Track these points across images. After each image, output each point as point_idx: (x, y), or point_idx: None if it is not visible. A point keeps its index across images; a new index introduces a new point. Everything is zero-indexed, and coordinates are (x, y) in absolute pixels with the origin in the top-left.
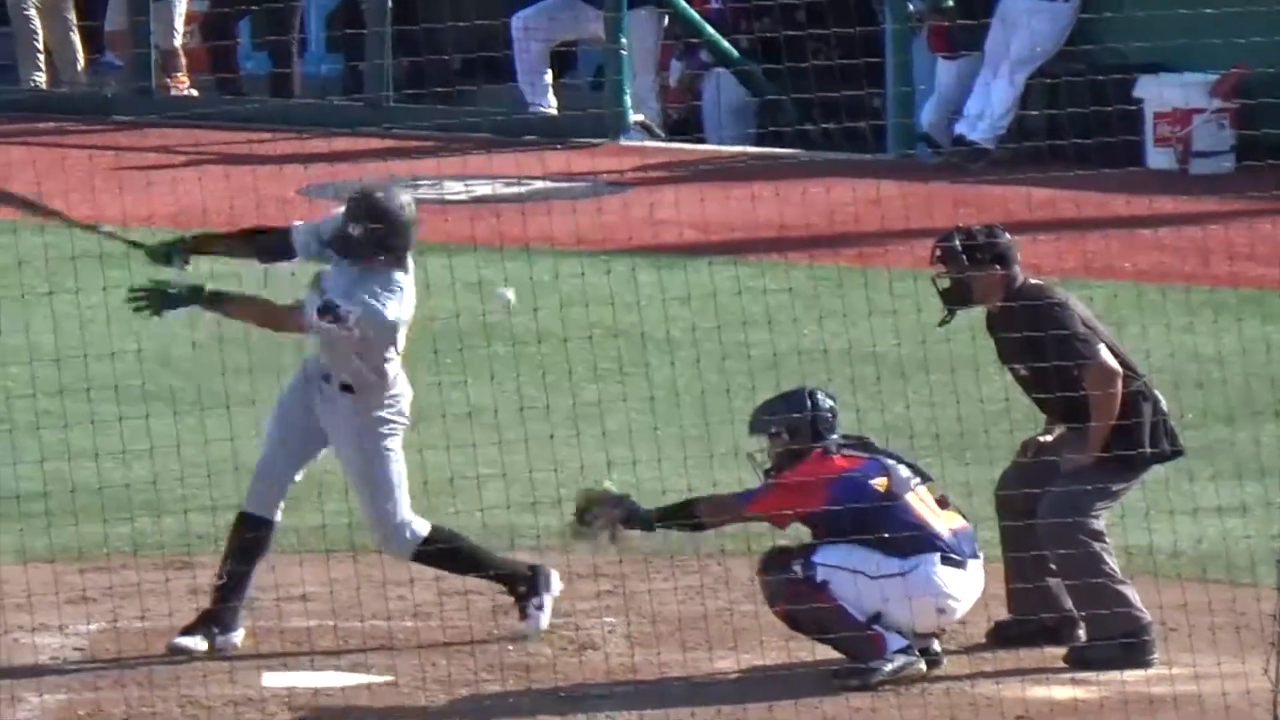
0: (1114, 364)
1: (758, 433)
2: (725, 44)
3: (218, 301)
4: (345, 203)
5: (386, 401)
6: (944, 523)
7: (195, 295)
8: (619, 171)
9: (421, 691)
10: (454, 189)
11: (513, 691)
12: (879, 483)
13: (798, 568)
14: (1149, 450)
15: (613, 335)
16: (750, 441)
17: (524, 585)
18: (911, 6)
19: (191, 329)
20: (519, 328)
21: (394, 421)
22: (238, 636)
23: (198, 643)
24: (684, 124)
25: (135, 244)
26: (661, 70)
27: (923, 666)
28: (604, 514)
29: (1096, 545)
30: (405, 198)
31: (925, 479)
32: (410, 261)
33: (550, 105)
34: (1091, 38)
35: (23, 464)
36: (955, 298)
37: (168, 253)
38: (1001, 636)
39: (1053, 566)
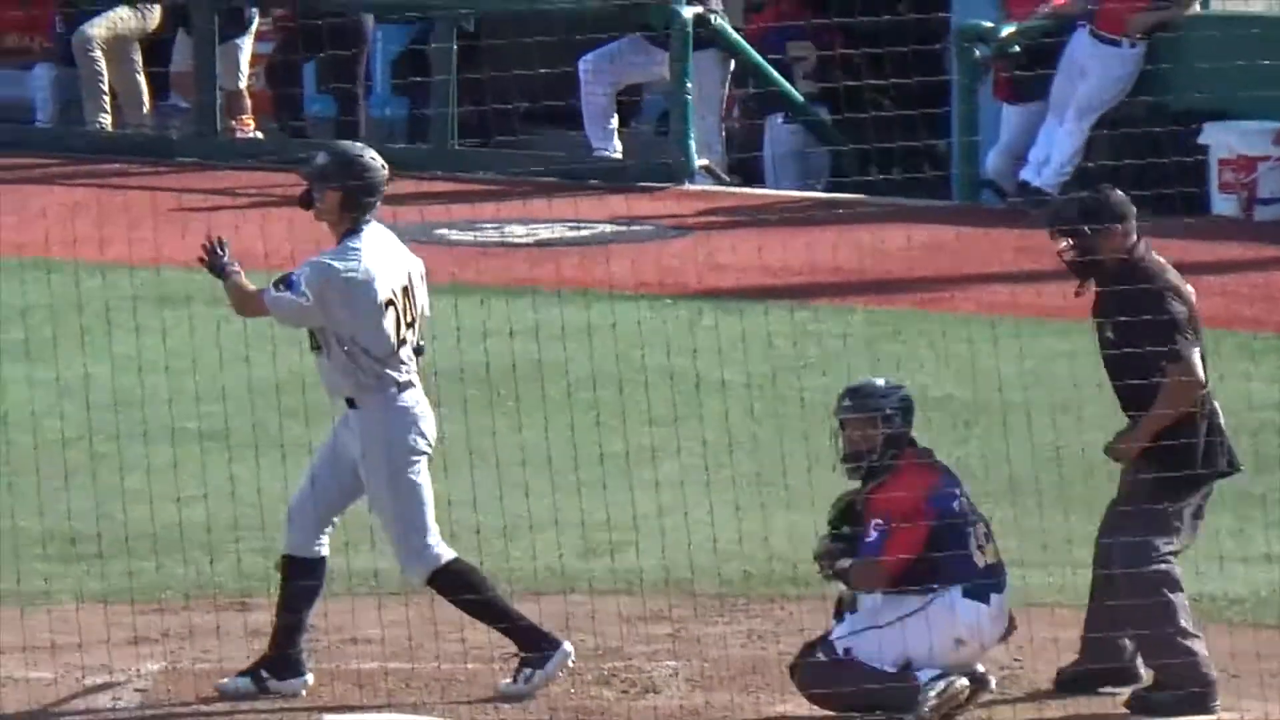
0: (1200, 373)
1: (845, 413)
2: (790, 89)
3: (226, 277)
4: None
5: (399, 419)
6: (980, 557)
7: (220, 271)
8: (681, 216)
9: None
10: (517, 232)
11: None
12: (961, 503)
13: (820, 653)
14: (1203, 469)
15: (668, 379)
16: (833, 420)
17: (536, 652)
18: (978, 53)
19: (248, 368)
20: (574, 371)
21: (414, 445)
22: (300, 684)
23: (244, 685)
24: (747, 168)
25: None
26: (727, 115)
27: (964, 682)
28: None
29: (1172, 595)
30: (374, 156)
31: (979, 517)
32: (375, 227)
33: (615, 150)
34: (1156, 85)
35: (79, 506)
36: (1083, 268)
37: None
38: (1069, 685)
39: (1115, 620)
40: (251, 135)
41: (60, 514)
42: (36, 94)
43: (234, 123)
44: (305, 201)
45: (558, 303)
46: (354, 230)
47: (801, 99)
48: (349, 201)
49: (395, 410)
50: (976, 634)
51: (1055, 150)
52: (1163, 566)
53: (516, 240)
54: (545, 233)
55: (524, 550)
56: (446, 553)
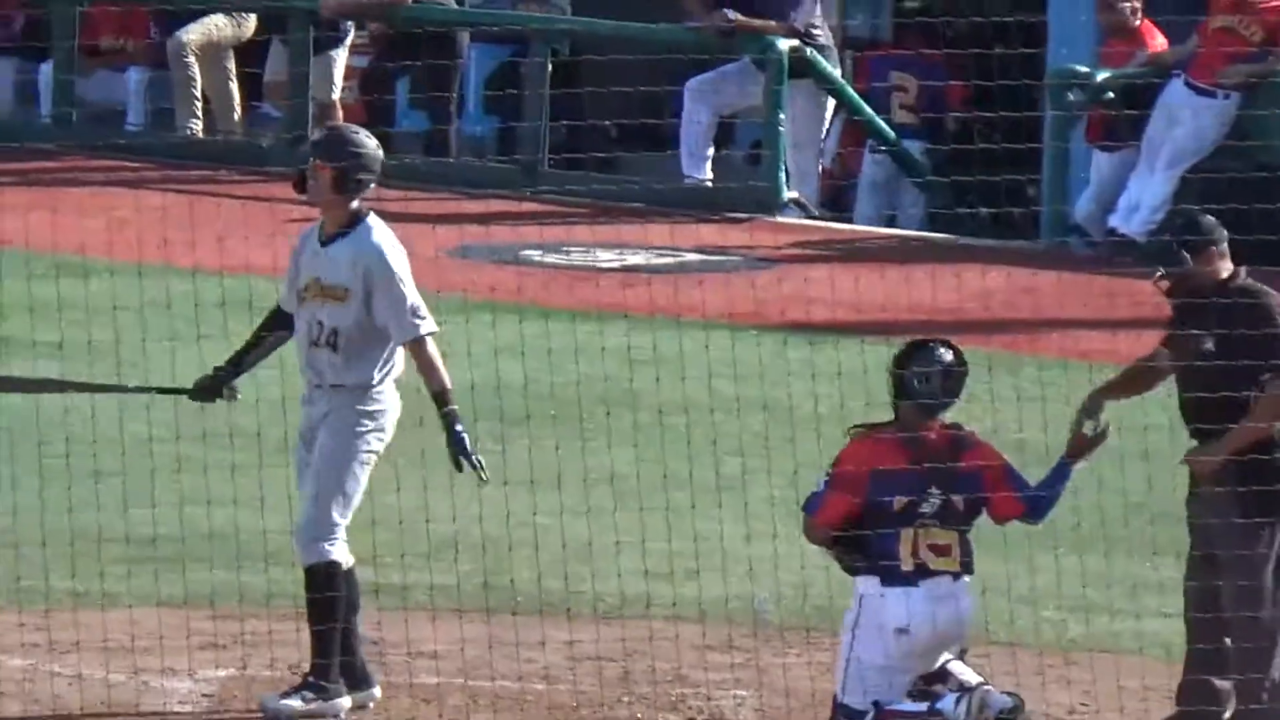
0: None
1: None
2: (876, 119)
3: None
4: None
5: (388, 408)
6: (918, 559)
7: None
8: (772, 246)
9: None
10: (606, 256)
11: None
12: (898, 501)
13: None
14: None
15: (760, 409)
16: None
17: (335, 682)
18: (1072, 96)
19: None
20: (664, 397)
21: (382, 438)
22: (347, 701)
23: (289, 704)
24: (837, 202)
25: (175, 391)
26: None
27: (986, 688)
28: None
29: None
30: (368, 136)
31: (951, 525)
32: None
33: (707, 177)
34: (1253, 134)
35: (161, 508)
36: (1182, 289)
37: (213, 389)
38: None
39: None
40: None
41: (144, 516)
42: (129, 97)
43: None
44: (299, 184)
45: (650, 328)
46: (360, 216)
47: (890, 131)
48: (340, 180)
49: (387, 399)
50: (915, 617)
51: (1145, 197)
52: (1258, 585)
53: (604, 265)
54: (633, 258)
55: (606, 572)
56: (346, 554)
